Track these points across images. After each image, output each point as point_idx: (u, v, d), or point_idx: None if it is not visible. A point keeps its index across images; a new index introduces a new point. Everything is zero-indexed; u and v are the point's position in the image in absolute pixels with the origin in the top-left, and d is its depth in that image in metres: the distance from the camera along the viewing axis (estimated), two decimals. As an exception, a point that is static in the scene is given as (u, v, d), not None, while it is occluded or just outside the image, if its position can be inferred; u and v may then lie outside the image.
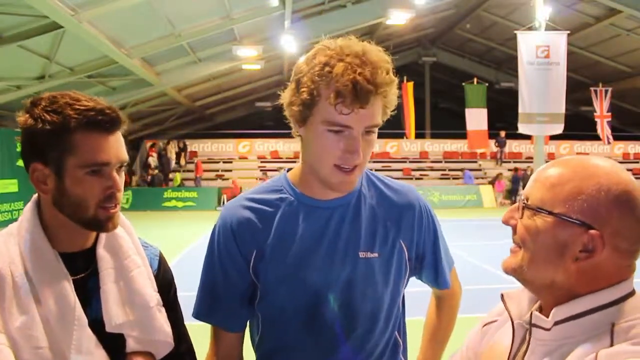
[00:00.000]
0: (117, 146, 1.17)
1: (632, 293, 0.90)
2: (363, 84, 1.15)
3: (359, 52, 1.18)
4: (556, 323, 0.90)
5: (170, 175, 22.71)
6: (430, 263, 1.43)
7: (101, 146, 1.14)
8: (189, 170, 23.52)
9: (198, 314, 1.38)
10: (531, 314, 0.95)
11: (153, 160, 23.15)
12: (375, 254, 1.33)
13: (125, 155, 1.20)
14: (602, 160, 0.93)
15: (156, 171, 22.30)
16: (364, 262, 1.32)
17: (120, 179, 1.19)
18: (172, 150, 23.95)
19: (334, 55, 1.18)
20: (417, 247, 1.40)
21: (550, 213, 0.90)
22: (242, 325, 1.40)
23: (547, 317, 0.92)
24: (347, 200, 1.34)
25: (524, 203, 0.95)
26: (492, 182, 22.59)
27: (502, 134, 24.07)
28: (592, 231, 0.87)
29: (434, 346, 1.53)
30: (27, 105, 1.15)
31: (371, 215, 1.36)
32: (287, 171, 1.41)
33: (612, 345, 0.83)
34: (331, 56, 1.18)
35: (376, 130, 1.25)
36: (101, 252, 1.22)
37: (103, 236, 1.24)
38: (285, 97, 1.27)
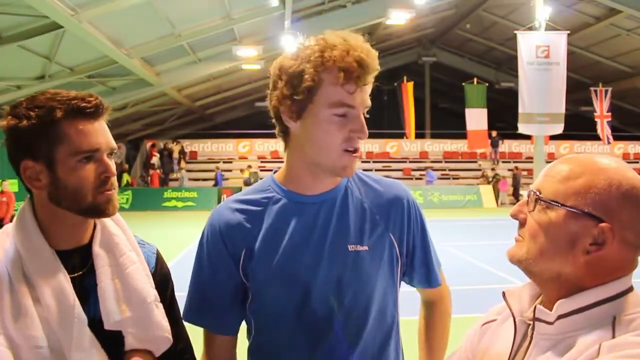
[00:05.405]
0: (104, 132, 1.19)
1: (630, 289, 0.93)
2: (367, 60, 1.21)
3: (347, 38, 1.23)
4: (560, 317, 0.92)
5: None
6: (421, 259, 1.42)
7: (89, 132, 1.16)
8: (189, 171, 23.50)
9: (187, 316, 1.37)
10: (535, 308, 0.97)
11: (157, 160, 23.13)
12: (365, 247, 1.32)
13: (113, 143, 1.22)
14: (610, 158, 0.97)
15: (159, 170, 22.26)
16: (354, 255, 1.31)
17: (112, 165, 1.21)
18: (176, 150, 23.93)
19: (323, 44, 1.22)
20: (407, 243, 1.39)
21: (563, 205, 0.92)
22: (233, 329, 1.38)
23: (550, 311, 0.93)
24: (334, 195, 1.34)
25: (536, 196, 0.96)
26: (489, 182, 22.48)
27: (494, 133, 23.85)
28: (603, 224, 0.89)
29: (432, 357, 1.49)
30: (8, 110, 1.16)
31: (360, 209, 1.35)
32: (274, 173, 1.41)
33: (614, 337, 0.85)
34: (322, 45, 1.22)
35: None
36: (97, 249, 1.22)
37: (98, 234, 1.24)
38: (275, 95, 1.27)
